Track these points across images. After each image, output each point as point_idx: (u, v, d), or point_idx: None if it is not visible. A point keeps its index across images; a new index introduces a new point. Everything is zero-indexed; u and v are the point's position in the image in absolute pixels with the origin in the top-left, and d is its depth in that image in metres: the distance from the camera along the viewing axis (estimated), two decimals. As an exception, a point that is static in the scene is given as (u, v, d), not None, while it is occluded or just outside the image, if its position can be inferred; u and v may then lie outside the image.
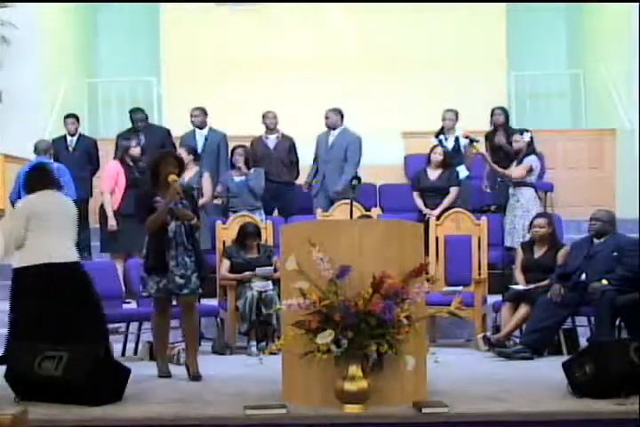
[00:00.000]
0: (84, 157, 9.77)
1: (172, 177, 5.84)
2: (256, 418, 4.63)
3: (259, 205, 9.02)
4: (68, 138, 9.84)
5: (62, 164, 9.11)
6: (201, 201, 8.52)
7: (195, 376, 5.89)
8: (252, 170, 9.04)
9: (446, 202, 8.84)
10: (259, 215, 8.82)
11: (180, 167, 6.05)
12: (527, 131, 8.82)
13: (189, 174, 8.85)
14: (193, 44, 11.75)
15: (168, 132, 9.89)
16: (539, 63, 12.32)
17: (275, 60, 11.51)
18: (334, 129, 9.56)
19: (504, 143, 9.33)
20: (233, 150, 9.18)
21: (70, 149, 9.76)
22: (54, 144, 9.58)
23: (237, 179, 9.02)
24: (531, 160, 8.56)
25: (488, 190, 9.43)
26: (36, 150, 9.11)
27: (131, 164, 8.87)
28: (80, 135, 9.90)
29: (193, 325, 6.11)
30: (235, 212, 8.80)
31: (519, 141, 8.65)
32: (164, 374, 6.00)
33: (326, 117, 9.59)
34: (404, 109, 11.16)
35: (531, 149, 8.70)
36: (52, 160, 9.04)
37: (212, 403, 5.06)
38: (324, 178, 9.49)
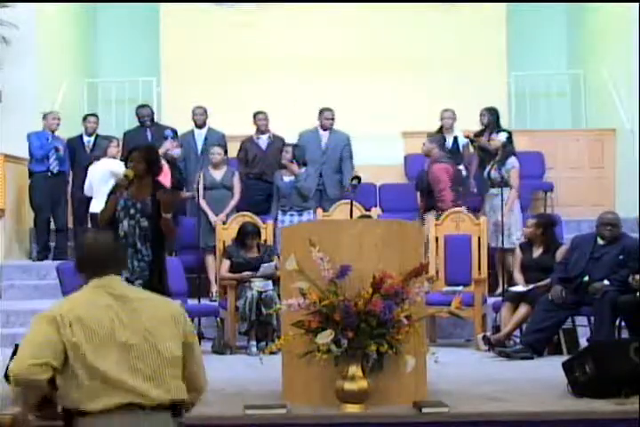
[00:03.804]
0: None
1: (126, 171, 5.80)
2: (256, 418, 4.63)
3: (308, 205, 8.97)
4: (85, 138, 9.72)
5: (80, 164, 9.38)
6: (232, 201, 8.80)
7: None
8: (302, 169, 9.01)
9: None
10: (307, 215, 8.82)
11: (148, 162, 5.82)
12: (505, 131, 9.05)
13: (220, 173, 8.89)
14: (193, 44, 11.74)
15: (175, 131, 9.84)
16: (539, 63, 12.30)
17: (274, 60, 11.49)
18: (326, 130, 9.56)
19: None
20: (281, 149, 9.12)
21: (88, 149, 9.66)
22: (70, 144, 9.61)
23: (287, 179, 8.99)
24: (513, 162, 8.69)
25: (475, 191, 9.38)
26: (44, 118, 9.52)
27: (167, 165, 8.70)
28: (97, 135, 9.74)
29: None
30: (284, 211, 8.82)
31: (495, 141, 8.76)
32: None
33: (331, 119, 9.58)
34: (404, 109, 11.13)
35: (509, 149, 8.81)
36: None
37: (212, 403, 5.04)
38: (322, 179, 9.44)
